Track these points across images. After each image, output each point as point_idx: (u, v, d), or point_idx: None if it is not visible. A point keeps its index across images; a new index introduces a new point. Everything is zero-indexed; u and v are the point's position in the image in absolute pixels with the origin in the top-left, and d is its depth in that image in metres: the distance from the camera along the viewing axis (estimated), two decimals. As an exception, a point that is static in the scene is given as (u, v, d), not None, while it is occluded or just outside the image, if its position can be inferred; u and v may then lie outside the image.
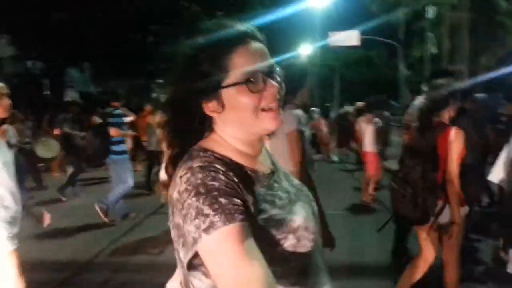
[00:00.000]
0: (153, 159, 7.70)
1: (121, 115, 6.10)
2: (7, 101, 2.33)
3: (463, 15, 11.74)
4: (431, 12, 14.04)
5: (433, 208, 2.52)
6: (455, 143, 2.43)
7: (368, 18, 27.42)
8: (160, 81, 26.03)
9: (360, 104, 8.16)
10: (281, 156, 1.99)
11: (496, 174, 2.33)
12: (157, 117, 7.03)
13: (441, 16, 12.61)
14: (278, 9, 25.27)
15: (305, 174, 2.63)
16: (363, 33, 26.34)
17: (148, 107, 8.93)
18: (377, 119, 6.63)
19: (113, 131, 5.74)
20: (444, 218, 2.55)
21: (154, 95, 26.66)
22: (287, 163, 2.29)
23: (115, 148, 5.77)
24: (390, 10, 24.86)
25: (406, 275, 2.79)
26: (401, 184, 2.57)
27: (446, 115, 2.55)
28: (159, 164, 6.46)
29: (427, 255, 2.70)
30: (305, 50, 37.38)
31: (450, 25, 13.85)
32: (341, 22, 32.83)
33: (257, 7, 15.71)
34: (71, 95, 16.84)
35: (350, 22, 30.11)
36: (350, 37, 21.06)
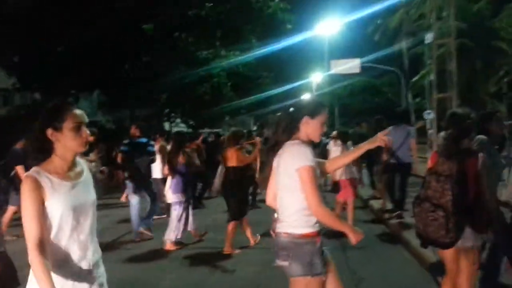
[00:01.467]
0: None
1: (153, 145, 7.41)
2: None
3: (451, 41, 11.79)
4: (429, 38, 14.12)
5: (462, 232, 2.62)
6: (484, 169, 2.62)
7: (372, 46, 27.92)
8: (167, 110, 26.65)
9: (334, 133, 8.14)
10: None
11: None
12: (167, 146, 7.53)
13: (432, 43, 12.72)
14: (284, 38, 25.96)
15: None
16: (368, 61, 26.77)
17: (159, 136, 9.04)
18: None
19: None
20: (466, 241, 2.71)
21: (165, 125, 27.15)
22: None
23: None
24: (393, 38, 25.29)
25: None
26: (431, 207, 2.65)
27: (468, 142, 2.79)
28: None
29: (452, 267, 2.85)
30: (316, 78, 38.01)
31: (441, 52, 13.94)
32: (348, 50, 33.55)
33: (251, 37, 15.99)
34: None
35: (356, 50, 30.71)
36: (351, 65, 21.31)
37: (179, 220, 5.98)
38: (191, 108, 25.89)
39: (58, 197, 1.84)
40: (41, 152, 1.87)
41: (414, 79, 20.09)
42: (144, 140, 6.76)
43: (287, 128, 2.42)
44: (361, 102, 31.99)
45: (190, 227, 6.25)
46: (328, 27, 24.80)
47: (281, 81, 37.62)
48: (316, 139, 2.47)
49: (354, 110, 31.62)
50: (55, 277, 1.77)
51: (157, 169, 7.72)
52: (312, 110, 2.43)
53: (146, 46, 13.85)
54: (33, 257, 1.72)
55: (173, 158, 6.12)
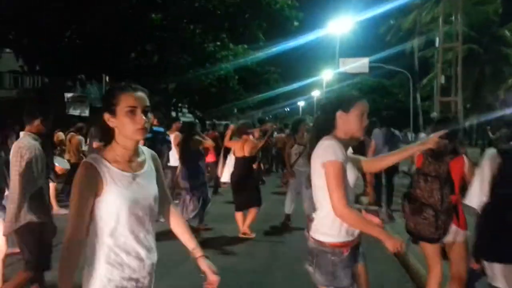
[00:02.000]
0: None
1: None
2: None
3: (458, 46, 11.72)
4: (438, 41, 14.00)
5: (449, 228, 2.80)
6: (470, 169, 2.80)
7: (383, 47, 27.76)
8: (174, 100, 26.84)
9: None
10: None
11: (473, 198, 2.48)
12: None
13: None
14: (292, 35, 25.91)
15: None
16: (378, 61, 26.60)
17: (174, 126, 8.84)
18: None
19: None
20: (448, 237, 2.87)
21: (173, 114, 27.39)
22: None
23: None
24: (405, 40, 25.08)
25: None
26: (421, 207, 2.83)
27: (452, 145, 2.89)
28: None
29: (437, 271, 2.98)
30: (326, 75, 37.91)
31: (449, 57, 13.86)
32: (359, 49, 33.42)
33: (258, 33, 15.98)
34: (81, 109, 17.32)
35: (367, 49, 30.56)
36: (359, 64, 21.22)
37: (185, 205, 6.00)
38: (200, 99, 26.16)
39: (116, 189, 1.65)
40: (103, 139, 1.72)
41: (423, 81, 19.95)
42: (161, 129, 6.86)
43: (322, 127, 2.25)
44: (370, 102, 31.69)
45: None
46: (340, 25, 24.74)
47: (289, 77, 37.81)
48: (358, 133, 2.21)
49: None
50: (110, 276, 1.65)
51: (172, 158, 7.71)
52: (344, 103, 2.21)
53: (153, 35, 13.94)
54: (65, 251, 1.59)
55: (183, 146, 6.24)
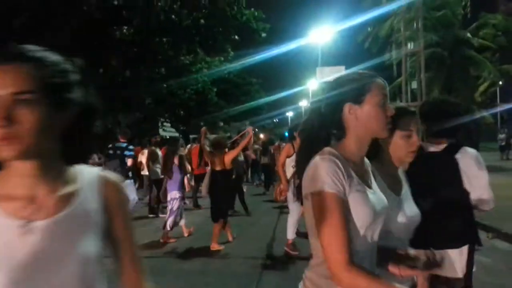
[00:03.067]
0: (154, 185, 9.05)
1: (132, 149, 7.75)
2: None
3: (420, 51, 11.85)
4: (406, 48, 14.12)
5: None
6: None
7: (365, 55, 27.98)
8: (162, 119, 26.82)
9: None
10: None
11: None
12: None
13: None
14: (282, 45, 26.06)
15: None
16: (360, 69, 26.63)
17: (155, 139, 10.20)
18: None
19: (130, 162, 7.29)
20: None
21: (162, 130, 27.41)
22: None
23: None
24: (383, 47, 25.34)
25: None
26: None
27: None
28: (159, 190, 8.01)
29: None
30: (312, 85, 38.21)
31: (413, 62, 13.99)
32: (341, 58, 33.80)
33: (227, 46, 16.09)
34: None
35: (349, 58, 30.86)
36: (336, 72, 21.33)
37: (174, 214, 6.49)
38: (180, 113, 26.20)
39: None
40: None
41: (389, 87, 20.07)
42: (123, 144, 7.39)
43: (317, 136, 1.51)
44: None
45: (181, 222, 6.75)
46: (320, 34, 24.94)
47: (272, 88, 38.16)
48: (381, 133, 1.46)
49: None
50: None
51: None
52: (355, 90, 1.45)
53: (120, 49, 13.96)
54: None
55: (167, 161, 6.71)
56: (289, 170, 5.53)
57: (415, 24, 13.52)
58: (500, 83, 22.62)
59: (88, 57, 9.97)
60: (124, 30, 14.10)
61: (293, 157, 5.06)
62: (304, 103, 50.23)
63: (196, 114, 25.22)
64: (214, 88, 21.73)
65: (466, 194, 2.20)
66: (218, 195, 6.14)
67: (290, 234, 5.71)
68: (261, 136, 37.94)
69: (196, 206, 10.02)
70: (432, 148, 2.28)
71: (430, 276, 2.07)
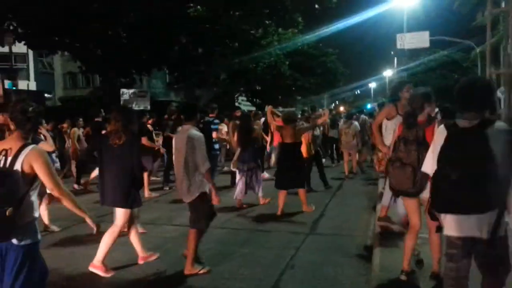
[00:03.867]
0: None
1: (217, 123, 8.43)
2: None
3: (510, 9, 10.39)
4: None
5: (425, 184, 3.04)
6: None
7: (455, 19, 25.38)
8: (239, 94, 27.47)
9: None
10: None
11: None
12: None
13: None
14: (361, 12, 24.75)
15: None
16: (445, 34, 24.31)
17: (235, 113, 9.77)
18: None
19: (214, 134, 7.91)
20: (426, 193, 3.07)
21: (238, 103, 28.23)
22: None
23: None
24: (475, 9, 22.72)
25: (406, 244, 3.46)
26: (402, 166, 3.29)
27: (426, 114, 3.36)
28: None
29: (416, 222, 3.41)
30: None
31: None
32: (427, 23, 30.93)
33: (296, 16, 15.68)
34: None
35: (436, 23, 28.15)
36: (419, 39, 19.69)
37: (239, 184, 6.76)
38: (258, 87, 26.57)
39: None
40: None
41: (478, 49, 17.75)
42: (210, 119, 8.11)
43: None
44: (439, 78, 29.37)
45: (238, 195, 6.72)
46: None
47: (350, 59, 36.46)
48: None
49: (431, 88, 29.16)
50: None
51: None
52: None
53: (192, 27, 14.51)
54: None
55: (239, 135, 6.94)
56: (388, 137, 4.40)
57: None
58: None
59: (159, 36, 10.76)
60: (197, 7, 14.61)
61: (395, 120, 4.32)
62: (388, 73, 47.38)
63: (271, 88, 25.35)
64: (287, 61, 21.53)
65: (495, 164, 2.38)
66: (289, 164, 6.27)
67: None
68: (341, 109, 36.79)
69: None
70: (464, 123, 2.50)
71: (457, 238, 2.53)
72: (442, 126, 2.70)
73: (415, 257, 3.79)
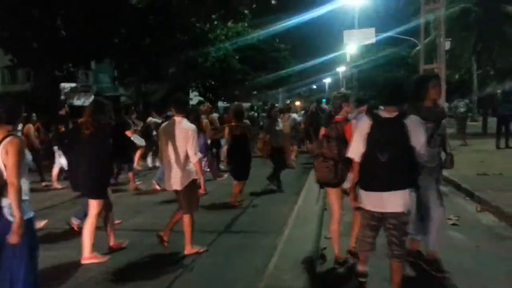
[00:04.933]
0: None
1: None
2: None
3: (439, 7, 10.73)
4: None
5: (346, 175, 3.59)
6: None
7: (400, 16, 26.18)
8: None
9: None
10: None
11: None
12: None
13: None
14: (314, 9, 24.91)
15: None
16: (392, 32, 25.11)
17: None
18: None
19: None
20: (346, 183, 3.65)
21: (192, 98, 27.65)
22: None
23: None
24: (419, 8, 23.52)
25: (331, 229, 3.84)
26: (325, 160, 3.67)
27: (344, 113, 3.79)
28: None
29: (338, 209, 3.80)
30: (351, 49, 36.72)
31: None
32: (379, 20, 31.85)
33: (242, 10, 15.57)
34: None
35: (387, 22, 29.02)
36: (365, 35, 20.21)
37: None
38: (211, 82, 26.19)
39: None
40: None
41: (417, 49, 18.49)
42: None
43: None
44: (385, 74, 30.37)
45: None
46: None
47: (304, 55, 36.85)
48: None
49: (376, 83, 30.24)
50: None
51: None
52: None
53: (136, 18, 13.97)
54: None
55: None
56: None
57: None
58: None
59: (98, 26, 10.18)
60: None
61: None
62: (342, 69, 48.45)
63: (223, 83, 25.09)
64: (237, 55, 21.35)
65: (411, 149, 2.88)
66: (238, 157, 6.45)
67: None
68: (297, 103, 37.25)
69: None
70: (387, 114, 2.98)
71: (379, 213, 2.97)
72: (365, 116, 3.12)
73: (320, 251, 4.05)
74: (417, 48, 16.54)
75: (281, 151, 7.60)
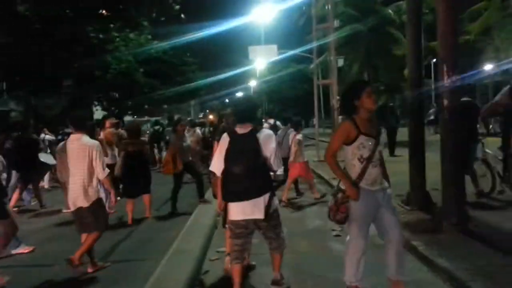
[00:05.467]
0: None
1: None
2: None
3: (329, 26, 11.56)
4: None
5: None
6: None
7: (300, 34, 27.75)
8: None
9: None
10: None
11: None
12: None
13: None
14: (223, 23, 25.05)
15: None
16: (288, 48, 26.47)
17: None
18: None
19: None
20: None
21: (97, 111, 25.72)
22: None
23: None
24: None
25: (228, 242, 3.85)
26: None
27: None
28: None
29: None
30: (259, 65, 37.79)
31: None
32: (284, 37, 33.46)
33: (141, 20, 15.16)
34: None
35: (294, 39, 30.53)
36: (268, 51, 20.89)
37: None
38: (115, 94, 24.84)
39: None
40: None
41: (311, 66, 19.87)
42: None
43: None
44: (289, 89, 31.96)
45: None
46: (262, 13, 24.19)
47: (214, 68, 37.11)
48: None
49: (283, 97, 31.70)
50: None
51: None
52: None
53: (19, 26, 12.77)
54: None
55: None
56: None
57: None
58: (434, 60, 23.12)
59: None
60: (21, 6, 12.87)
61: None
62: (253, 83, 49.83)
63: (126, 96, 24.00)
64: (141, 68, 20.60)
65: (264, 159, 3.18)
66: (135, 172, 6.46)
67: None
68: (210, 117, 37.20)
69: None
70: (242, 130, 3.24)
71: (243, 221, 3.19)
72: (225, 133, 3.29)
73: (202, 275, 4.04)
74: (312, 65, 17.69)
75: (192, 162, 7.51)
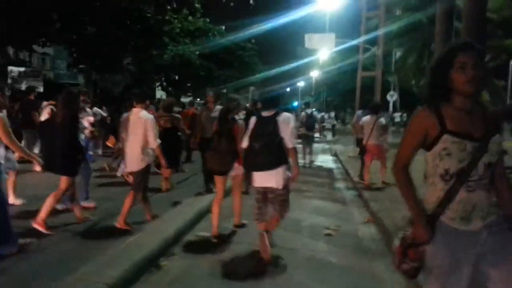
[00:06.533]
0: None
1: None
2: None
3: (380, 14, 10.82)
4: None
5: (233, 165, 4.47)
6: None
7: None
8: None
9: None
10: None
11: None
12: None
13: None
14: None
15: None
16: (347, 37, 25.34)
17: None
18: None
19: None
20: (234, 171, 4.61)
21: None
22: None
23: None
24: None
25: (213, 210, 4.65)
26: (216, 153, 4.40)
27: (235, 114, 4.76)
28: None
29: (221, 194, 4.64)
30: (323, 55, 37.01)
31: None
32: (352, 26, 32.16)
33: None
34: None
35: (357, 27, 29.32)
36: (326, 40, 20.20)
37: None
38: (175, 76, 25.71)
39: None
40: None
41: (366, 55, 18.66)
42: None
43: None
44: (348, 80, 30.73)
45: None
46: (328, 1, 23.44)
47: (273, 57, 36.81)
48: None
49: (342, 89, 30.60)
50: None
51: None
52: None
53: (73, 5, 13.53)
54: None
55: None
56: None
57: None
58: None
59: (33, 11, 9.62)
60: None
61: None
62: (315, 74, 48.68)
63: (186, 78, 24.70)
64: (197, 51, 21.01)
65: (280, 138, 3.73)
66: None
67: None
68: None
69: None
70: (266, 114, 3.89)
71: (261, 187, 3.92)
72: (254, 116, 4.03)
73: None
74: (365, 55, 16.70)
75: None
